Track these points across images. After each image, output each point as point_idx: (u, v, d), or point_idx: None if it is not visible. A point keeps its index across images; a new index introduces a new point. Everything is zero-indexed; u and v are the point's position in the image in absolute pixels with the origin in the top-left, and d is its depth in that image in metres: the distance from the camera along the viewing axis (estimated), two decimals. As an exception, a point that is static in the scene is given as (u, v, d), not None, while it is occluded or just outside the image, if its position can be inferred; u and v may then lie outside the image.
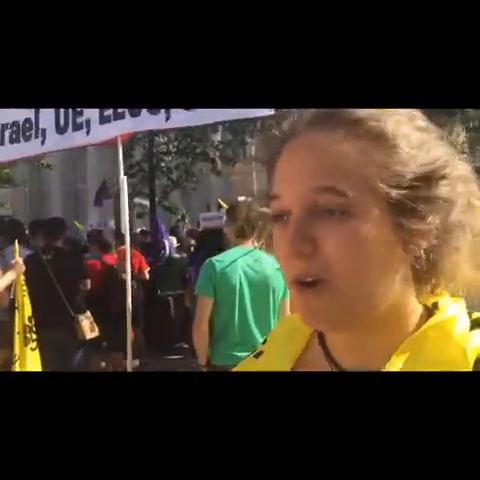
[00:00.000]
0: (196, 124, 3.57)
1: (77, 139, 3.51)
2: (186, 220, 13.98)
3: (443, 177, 0.54)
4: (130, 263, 5.74)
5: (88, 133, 3.40)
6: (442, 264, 0.56)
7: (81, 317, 4.29)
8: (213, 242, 4.60)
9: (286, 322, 0.67)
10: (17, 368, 3.46)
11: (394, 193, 0.52)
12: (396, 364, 0.54)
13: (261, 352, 0.65)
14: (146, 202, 16.09)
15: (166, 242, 7.49)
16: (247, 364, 0.66)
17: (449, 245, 0.55)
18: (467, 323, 0.57)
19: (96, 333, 4.40)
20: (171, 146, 15.98)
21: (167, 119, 3.20)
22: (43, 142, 3.54)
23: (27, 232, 5.65)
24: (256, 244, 0.69)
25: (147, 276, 6.27)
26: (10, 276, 3.57)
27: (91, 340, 4.43)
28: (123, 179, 3.37)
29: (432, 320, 0.57)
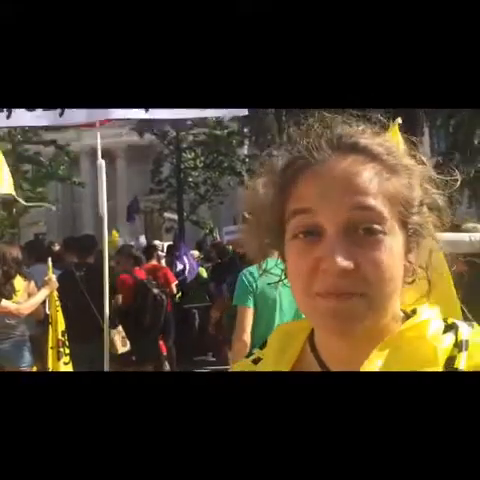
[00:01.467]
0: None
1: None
2: (214, 233, 14.07)
3: (436, 206, 0.62)
4: (156, 276, 5.85)
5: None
6: (430, 282, 0.64)
7: (113, 332, 4.35)
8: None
9: (281, 331, 0.70)
10: (51, 382, 3.54)
11: (408, 217, 0.60)
12: (374, 362, 0.58)
13: (259, 359, 0.69)
14: (175, 216, 16.30)
15: (186, 258, 7.46)
16: (246, 369, 0.70)
17: (432, 266, 0.63)
18: (441, 326, 0.61)
19: (128, 347, 4.46)
20: (198, 161, 16.19)
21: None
22: None
23: (56, 248, 5.78)
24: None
25: (174, 290, 6.33)
26: (44, 292, 3.68)
27: (122, 354, 4.49)
28: (101, 163, 3.45)
29: (408, 322, 0.61)
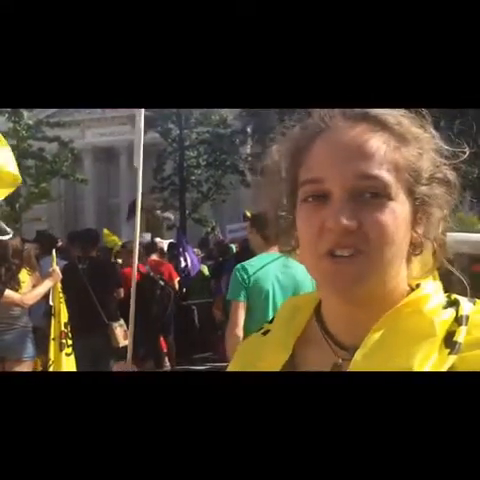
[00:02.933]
0: None
1: None
2: (216, 232, 14.08)
3: (446, 180, 0.63)
4: (160, 271, 5.87)
5: None
6: (436, 254, 0.65)
7: (115, 325, 4.38)
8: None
9: (289, 303, 0.74)
10: (53, 373, 3.57)
11: (416, 186, 0.61)
12: (374, 337, 0.60)
13: (268, 330, 0.72)
14: (171, 216, 16.30)
15: (187, 255, 7.47)
16: (256, 341, 0.73)
17: (441, 238, 0.64)
18: (441, 301, 0.63)
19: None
20: (201, 159, 16.20)
21: None
22: None
23: (60, 244, 5.81)
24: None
25: (177, 286, 6.37)
26: (48, 284, 3.71)
27: (124, 348, 4.51)
28: (140, 111, 3.27)
29: (409, 297, 0.63)
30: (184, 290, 7.11)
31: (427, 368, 0.57)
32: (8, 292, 3.61)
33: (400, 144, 0.61)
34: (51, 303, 3.74)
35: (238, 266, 2.89)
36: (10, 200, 14.30)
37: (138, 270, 5.41)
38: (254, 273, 2.81)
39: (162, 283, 5.32)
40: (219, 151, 15.88)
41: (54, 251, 3.83)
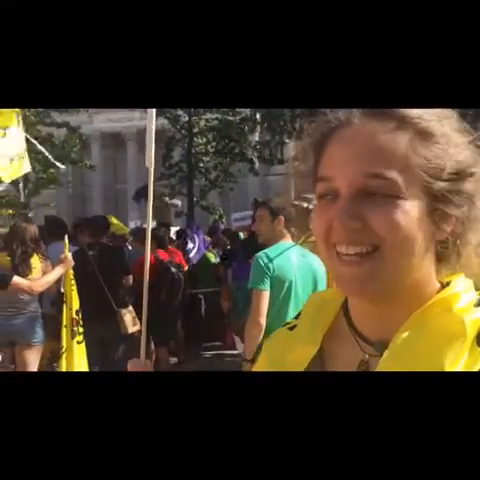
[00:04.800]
0: None
1: None
2: (223, 220, 14.07)
3: (471, 175, 0.61)
4: (171, 260, 5.87)
5: None
6: (459, 251, 0.63)
7: (124, 311, 4.39)
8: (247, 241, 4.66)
9: (315, 298, 0.73)
10: (64, 360, 3.59)
11: (433, 183, 0.59)
12: (403, 336, 0.59)
13: (295, 325, 0.72)
14: (178, 202, 16.26)
15: (197, 238, 7.48)
16: (283, 335, 0.73)
17: (467, 235, 0.62)
18: (473, 299, 0.61)
19: (138, 327, 4.49)
20: (209, 147, 16.12)
21: None
22: None
23: (69, 229, 5.82)
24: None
25: (187, 274, 6.38)
26: (59, 270, 3.71)
27: (133, 334, 4.53)
28: (152, 111, 3.23)
29: (438, 295, 0.62)
30: (193, 278, 7.11)
31: (459, 368, 0.56)
32: (16, 279, 3.63)
33: (420, 140, 0.59)
34: (62, 290, 3.75)
35: (261, 254, 2.81)
36: (19, 185, 14.36)
37: (157, 257, 5.43)
38: (277, 262, 2.75)
39: (173, 270, 5.34)
40: (228, 138, 15.79)
41: (67, 237, 3.82)
